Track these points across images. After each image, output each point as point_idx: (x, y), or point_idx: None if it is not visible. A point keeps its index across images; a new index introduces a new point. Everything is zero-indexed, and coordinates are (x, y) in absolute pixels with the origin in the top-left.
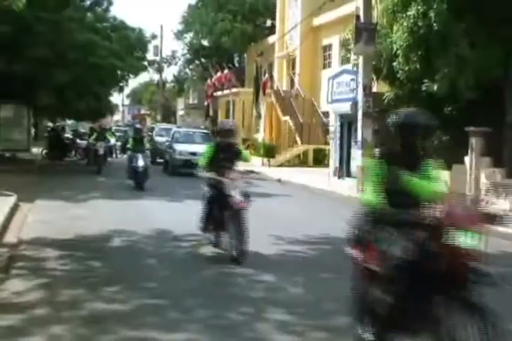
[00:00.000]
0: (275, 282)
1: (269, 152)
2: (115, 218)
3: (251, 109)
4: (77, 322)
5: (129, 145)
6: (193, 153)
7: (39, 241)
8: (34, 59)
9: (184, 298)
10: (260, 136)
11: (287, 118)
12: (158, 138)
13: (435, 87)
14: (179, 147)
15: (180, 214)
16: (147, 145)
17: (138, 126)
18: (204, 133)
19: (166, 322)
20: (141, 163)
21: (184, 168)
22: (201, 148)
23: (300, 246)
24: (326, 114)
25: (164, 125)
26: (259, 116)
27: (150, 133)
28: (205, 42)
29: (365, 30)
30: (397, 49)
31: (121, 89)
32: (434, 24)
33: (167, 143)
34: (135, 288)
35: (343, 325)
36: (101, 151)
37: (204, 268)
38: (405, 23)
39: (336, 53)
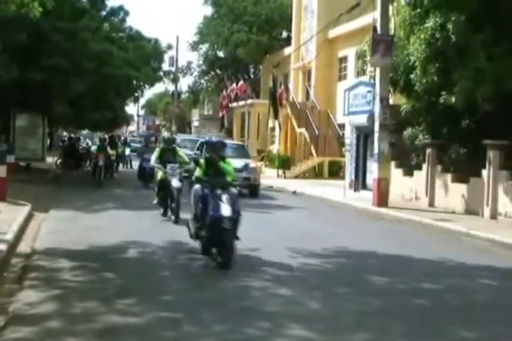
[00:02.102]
0: (292, 296)
1: (285, 164)
2: (129, 229)
3: (266, 121)
4: (91, 336)
5: (154, 158)
6: None
7: (53, 252)
8: (50, 68)
9: (200, 311)
10: (275, 148)
11: (303, 130)
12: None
13: (453, 99)
14: None
15: None
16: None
17: (168, 136)
18: (239, 145)
19: (182, 337)
20: (175, 183)
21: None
22: (237, 163)
23: (317, 260)
24: (342, 126)
25: (186, 135)
26: (279, 128)
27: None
28: (220, 54)
29: (382, 42)
30: (414, 61)
31: (136, 100)
32: (452, 36)
33: (194, 156)
34: (150, 301)
35: None
36: (100, 163)
37: (219, 280)
38: (423, 35)
39: (351, 65)
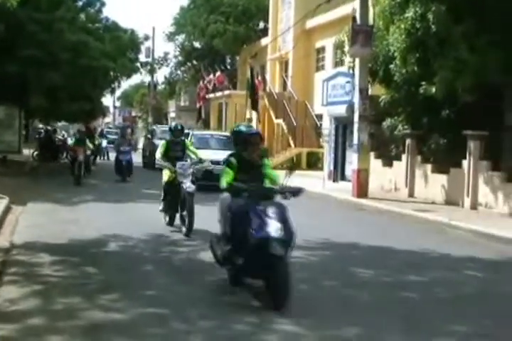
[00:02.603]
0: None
1: (263, 155)
2: (109, 221)
3: (243, 112)
4: (75, 333)
5: (159, 154)
6: (216, 162)
7: (32, 246)
8: (26, 59)
9: (186, 306)
10: None
11: (280, 120)
12: (158, 142)
13: (433, 90)
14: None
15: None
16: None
17: (175, 124)
18: (225, 136)
19: (169, 333)
20: (188, 185)
21: (204, 181)
22: (223, 156)
23: (300, 252)
24: (320, 117)
25: (166, 126)
26: (258, 119)
27: (149, 136)
28: (197, 44)
29: (361, 32)
30: (394, 51)
31: (113, 91)
32: (433, 26)
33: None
34: (134, 296)
35: (354, 336)
36: (80, 158)
37: (204, 274)
38: (403, 25)
39: (329, 56)
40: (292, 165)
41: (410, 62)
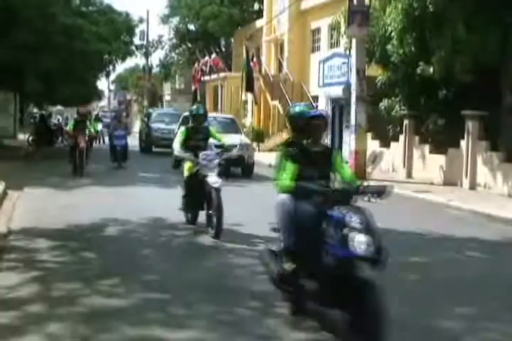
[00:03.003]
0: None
1: (259, 137)
2: (107, 205)
3: (239, 94)
4: (75, 319)
5: (177, 143)
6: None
7: (30, 231)
8: (20, 44)
9: (186, 291)
10: (248, 121)
11: (276, 102)
12: (155, 126)
13: (431, 70)
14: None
15: (174, 201)
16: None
17: (197, 107)
18: (228, 118)
19: (170, 319)
20: (214, 180)
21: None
22: (229, 139)
23: None
24: (316, 98)
25: (164, 109)
26: (255, 100)
27: (145, 120)
28: (191, 27)
29: (358, 13)
30: (391, 31)
31: (107, 74)
32: (430, 5)
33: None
34: (134, 281)
35: None
36: (81, 144)
37: (204, 258)
38: (400, 5)
39: (324, 37)
40: (376, 155)
41: (407, 42)
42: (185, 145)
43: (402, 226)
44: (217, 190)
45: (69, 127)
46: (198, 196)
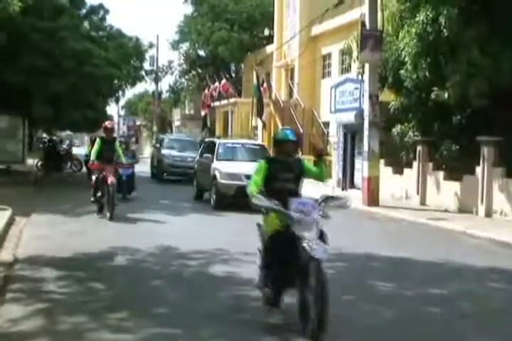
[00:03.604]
0: (295, 306)
1: None
2: (115, 233)
3: (249, 120)
4: None
5: (254, 186)
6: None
7: (36, 260)
8: (29, 68)
9: (199, 326)
10: None
11: None
12: (167, 152)
13: (446, 95)
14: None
15: (183, 229)
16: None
17: (286, 131)
18: (258, 145)
19: None
20: (318, 248)
21: (235, 198)
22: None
23: None
24: (327, 124)
25: (175, 135)
26: (264, 126)
27: (157, 146)
28: (201, 52)
29: (370, 37)
30: (405, 56)
31: (117, 100)
32: (444, 30)
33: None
34: (143, 315)
35: None
36: (110, 180)
37: (217, 290)
38: (413, 30)
39: (336, 62)
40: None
41: (421, 67)
42: (267, 188)
43: (419, 255)
44: (319, 262)
45: (91, 152)
46: (285, 268)
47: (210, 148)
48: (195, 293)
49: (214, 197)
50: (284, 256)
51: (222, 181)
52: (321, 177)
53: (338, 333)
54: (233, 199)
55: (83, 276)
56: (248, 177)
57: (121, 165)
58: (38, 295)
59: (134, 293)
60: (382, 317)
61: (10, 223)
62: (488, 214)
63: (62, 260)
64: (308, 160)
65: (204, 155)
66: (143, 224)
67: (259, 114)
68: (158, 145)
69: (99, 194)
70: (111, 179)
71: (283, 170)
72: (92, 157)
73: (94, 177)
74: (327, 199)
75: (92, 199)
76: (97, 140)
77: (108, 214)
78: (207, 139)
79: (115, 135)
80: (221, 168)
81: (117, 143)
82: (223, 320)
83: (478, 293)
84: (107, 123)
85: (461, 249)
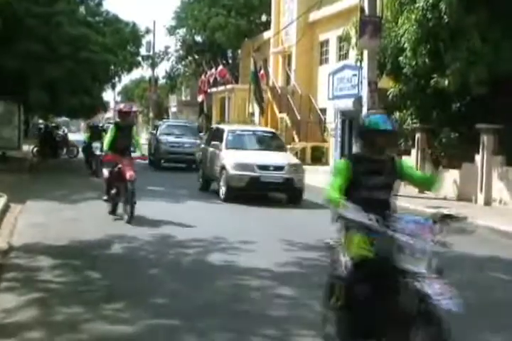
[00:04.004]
0: (296, 297)
1: None
2: (112, 221)
3: (245, 106)
4: None
5: (334, 191)
6: (263, 167)
7: (31, 248)
8: (25, 54)
9: (198, 316)
10: None
11: (284, 115)
12: (164, 138)
13: (446, 82)
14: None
15: (182, 217)
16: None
17: (373, 118)
18: (269, 132)
19: None
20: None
21: (249, 191)
22: (275, 159)
23: (314, 253)
24: (324, 111)
25: (173, 121)
26: (262, 112)
27: (154, 132)
28: (198, 38)
29: (370, 23)
30: (404, 42)
31: (113, 86)
32: (445, 16)
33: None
34: (141, 305)
35: None
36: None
37: (215, 279)
38: (413, 16)
39: (333, 49)
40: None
41: (421, 53)
42: (350, 196)
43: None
44: (439, 318)
45: (104, 142)
46: (377, 316)
47: (218, 135)
48: (193, 283)
49: (223, 189)
50: (371, 294)
51: (233, 172)
52: (430, 184)
53: None
54: (244, 192)
55: (79, 265)
56: (261, 167)
57: (139, 157)
58: (33, 285)
59: (131, 283)
60: None
61: (5, 210)
62: (488, 202)
63: (57, 248)
64: (406, 161)
65: (212, 142)
66: (139, 211)
67: (260, 101)
68: (155, 131)
69: (113, 191)
70: (130, 173)
71: (373, 172)
72: (105, 147)
73: (106, 172)
74: (445, 217)
75: (105, 197)
76: (111, 127)
77: (126, 217)
78: (214, 126)
79: (131, 120)
80: (231, 157)
81: (134, 130)
82: (223, 311)
83: (480, 283)
84: (122, 106)
85: (460, 237)
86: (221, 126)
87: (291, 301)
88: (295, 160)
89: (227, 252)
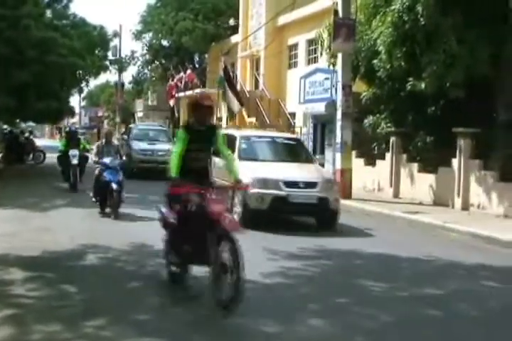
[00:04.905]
0: (287, 311)
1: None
2: (85, 229)
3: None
4: None
5: None
6: (292, 184)
7: (1, 259)
8: None
9: (185, 333)
10: None
11: (253, 119)
12: (135, 145)
13: (422, 85)
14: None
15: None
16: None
17: None
18: (293, 140)
19: None
20: None
21: (273, 212)
22: (304, 174)
23: (298, 262)
24: (293, 115)
25: (146, 124)
26: (234, 116)
27: (125, 137)
28: (165, 43)
29: (343, 26)
30: (379, 45)
31: (80, 90)
32: (421, 19)
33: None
34: (123, 321)
35: None
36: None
37: (200, 293)
38: (389, 18)
39: (302, 53)
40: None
41: (396, 56)
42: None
43: (402, 251)
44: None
45: (171, 162)
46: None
47: (227, 143)
48: (177, 296)
49: (240, 212)
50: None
51: (252, 190)
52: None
53: (337, 338)
54: (266, 215)
55: (53, 277)
56: (289, 184)
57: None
58: (5, 300)
59: (110, 297)
60: (381, 321)
61: None
62: (465, 207)
63: (29, 259)
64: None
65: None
66: (115, 220)
67: (240, 102)
68: (126, 136)
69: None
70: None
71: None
72: (174, 171)
73: (171, 215)
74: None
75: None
76: (179, 132)
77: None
78: (223, 131)
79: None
80: (248, 171)
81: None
82: (213, 327)
83: (473, 293)
84: (199, 94)
85: (444, 244)
86: (230, 132)
87: (281, 314)
88: (329, 175)
89: None
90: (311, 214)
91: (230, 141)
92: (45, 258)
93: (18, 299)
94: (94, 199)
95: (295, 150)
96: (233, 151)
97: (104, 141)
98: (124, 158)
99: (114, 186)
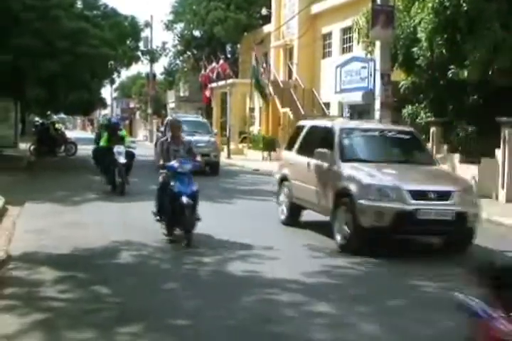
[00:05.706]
0: (336, 314)
1: (270, 146)
2: (118, 225)
3: (245, 101)
4: None
5: None
6: (419, 193)
7: (32, 257)
8: (21, 49)
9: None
10: (256, 129)
11: (287, 109)
12: None
13: (465, 73)
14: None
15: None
16: None
17: None
18: (407, 134)
19: None
20: None
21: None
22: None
23: (343, 259)
24: (327, 105)
25: (183, 116)
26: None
27: (162, 130)
28: (196, 33)
29: (382, 13)
30: (420, 32)
31: (112, 81)
32: (464, 4)
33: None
34: (160, 327)
35: None
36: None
37: (239, 294)
38: (430, 4)
39: (336, 42)
40: None
41: (438, 43)
42: None
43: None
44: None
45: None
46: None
47: (319, 138)
48: (216, 299)
49: (349, 231)
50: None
51: (367, 202)
52: None
53: None
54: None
55: (85, 278)
56: (417, 194)
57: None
58: (35, 303)
59: (146, 299)
60: (441, 327)
61: (2, 213)
62: (510, 199)
63: (60, 257)
64: None
65: (300, 148)
66: (147, 214)
67: (264, 95)
68: (163, 129)
69: None
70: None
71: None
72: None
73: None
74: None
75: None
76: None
77: None
78: (308, 123)
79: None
80: (360, 176)
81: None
82: (254, 334)
83: None
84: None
85: (493, 238)
86: (322, 123)
87: (329, 319)
88: (465, 182)
89: (248, 261)
90: (446, 234)
91: (323, 135)
92: (76, 256)
93: (48, 302)
94: (157, 217)
95: (411, 147)
96: (330, 149)
97: (170, 136)
98: (199, 159)
99: (185, 200)
